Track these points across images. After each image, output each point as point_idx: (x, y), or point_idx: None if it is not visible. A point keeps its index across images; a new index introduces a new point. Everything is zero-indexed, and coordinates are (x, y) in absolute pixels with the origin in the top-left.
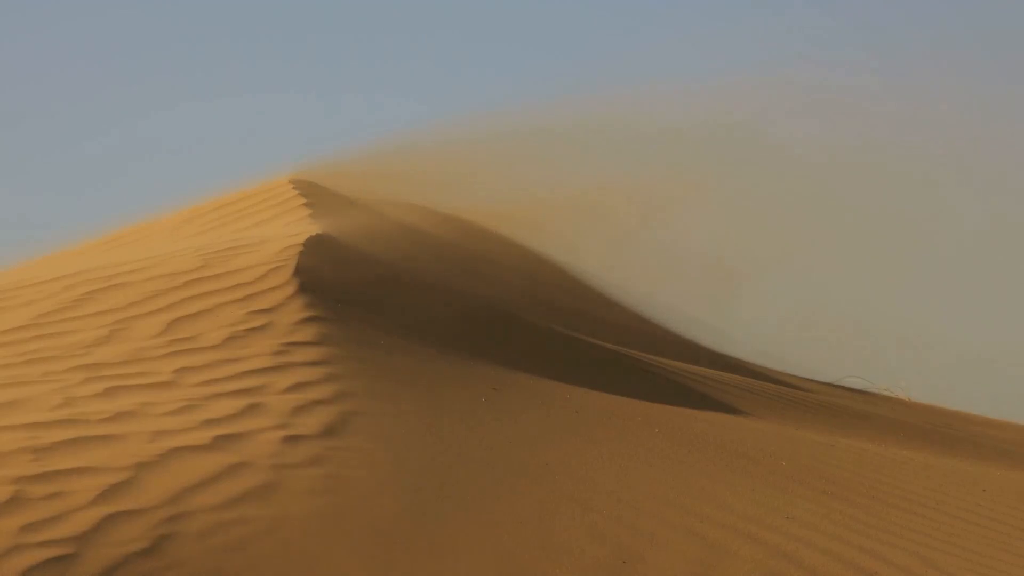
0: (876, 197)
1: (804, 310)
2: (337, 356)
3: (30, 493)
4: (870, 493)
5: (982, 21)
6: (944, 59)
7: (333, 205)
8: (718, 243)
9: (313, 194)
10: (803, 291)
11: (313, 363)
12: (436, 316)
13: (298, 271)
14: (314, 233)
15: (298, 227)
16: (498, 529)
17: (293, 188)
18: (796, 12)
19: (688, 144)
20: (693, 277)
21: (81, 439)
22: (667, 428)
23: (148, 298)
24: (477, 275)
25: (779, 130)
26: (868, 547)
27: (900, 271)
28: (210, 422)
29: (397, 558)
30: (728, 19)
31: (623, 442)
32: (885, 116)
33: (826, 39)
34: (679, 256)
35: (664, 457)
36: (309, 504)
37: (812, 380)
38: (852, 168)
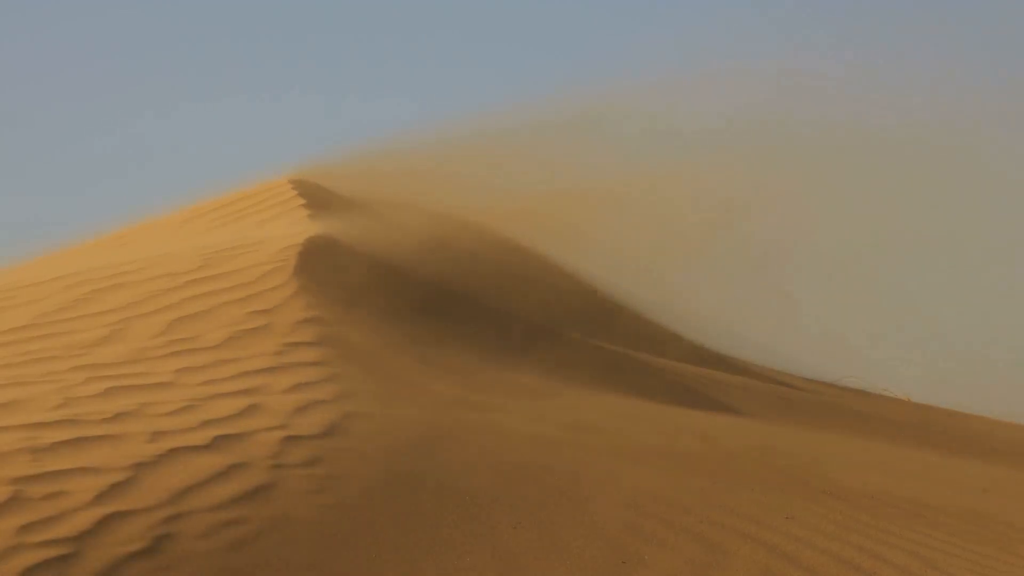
0: (875, 192)
1: (803, 308)
2: (336, 357)
3: (30, 493)
4: (870, 493)
5: (968, 16)
6: (926, 50)
7: (333, 205)
8: (714, 236)
9: (313, 194)
10: (803, 289)
11: (313, 363)
12: (435, 316)
13: (298, 271)
14: (314, 234)
15: (298, 227)
16: (498, 529)
17: (293, 188)
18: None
19: (682, 135)
20: (694, 271)
21: (81, 439)
22: (667, 428)
23: (148, 298)
24: (476, 275)
25: (774, 120)
26: (868, 547)
27: (899, 269)
28: (210, 422)
29: (396, 558)
30: (715, 15)
31: (623, 442)
32: (875, 105)
33: (808, 30)
34: (677, 251)
35: (664, 457)
36: (308, 504)
37: (812, 380)
38: (849, 162)
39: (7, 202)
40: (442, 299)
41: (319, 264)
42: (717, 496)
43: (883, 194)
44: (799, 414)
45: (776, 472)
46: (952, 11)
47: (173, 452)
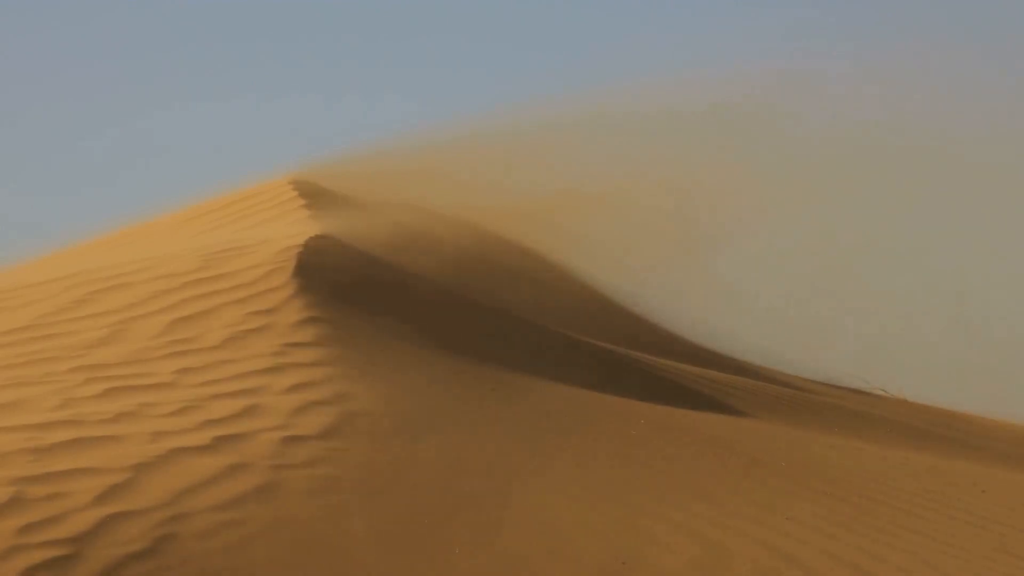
0: (874, 192)
1: (802, 308)
2: (336, 357)
3: (30, 494)
4: (870, 493)
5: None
6: (924, 45)
7: (333, 206)
8: (714, 232)
9: (313, 195)
10: (803, 288)
11: (312, 364)
12: (435, 317)
13: (298, 272)
14: (314, 234)
15: (298, 228)
16: (498, 529)
17: (293, 189)
18: (787, 9)
19: (687, 133)
20: (695, 271)
21: (81, 440)
22: (668, 429)
23: (148, 299)
24: (478, 275)
25: (776, 121)
26: (867, 547)
27: (899, 268)
28: (210, 423)
29: (397, 559)
30: (719, 17)
31: (624, 442)
32: (876, 104)
33: (813, 30)
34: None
35: (665, 457)
36: (308, 505)
37: (812, 380)
38: (849, 162)
39: (7, 202)
40: (443, 299)
41: (319, 265)
42: (717, 496)
43: (881, 193)
44: (799, 414)
45: (776, 472)
46: (953, 11)
47: (173, 453)
